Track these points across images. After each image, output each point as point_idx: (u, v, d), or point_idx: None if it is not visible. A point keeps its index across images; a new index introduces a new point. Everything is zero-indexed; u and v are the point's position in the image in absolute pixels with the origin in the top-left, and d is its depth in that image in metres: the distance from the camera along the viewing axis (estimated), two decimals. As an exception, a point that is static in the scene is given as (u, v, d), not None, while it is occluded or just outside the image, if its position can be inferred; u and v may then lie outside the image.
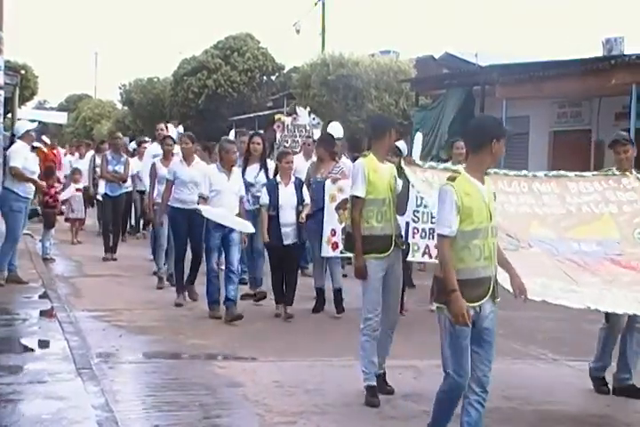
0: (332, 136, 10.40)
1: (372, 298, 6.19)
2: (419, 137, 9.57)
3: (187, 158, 9.91)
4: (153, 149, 12.05)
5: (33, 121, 12.26)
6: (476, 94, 16.93)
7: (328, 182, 9.28)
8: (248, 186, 9.65)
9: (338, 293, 9.30)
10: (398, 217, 6.52)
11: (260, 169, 9.95)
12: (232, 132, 13.65)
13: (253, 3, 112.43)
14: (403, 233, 7.43)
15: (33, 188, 10.80)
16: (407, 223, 8.75)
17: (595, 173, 6.70)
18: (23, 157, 10.35)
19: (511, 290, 5.01)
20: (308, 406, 5.94)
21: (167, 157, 10.84)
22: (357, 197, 6.19)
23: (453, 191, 4.72)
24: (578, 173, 6.56)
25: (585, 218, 6.18)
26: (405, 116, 21.17)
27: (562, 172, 6.53)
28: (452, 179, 4.80)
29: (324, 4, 29.39)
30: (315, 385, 6.48)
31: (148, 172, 11.23)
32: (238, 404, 6.02)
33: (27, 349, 7.72)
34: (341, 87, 22.19)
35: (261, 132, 19.92)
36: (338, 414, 5.80)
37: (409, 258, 8.87)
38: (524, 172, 6.53)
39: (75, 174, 15.52)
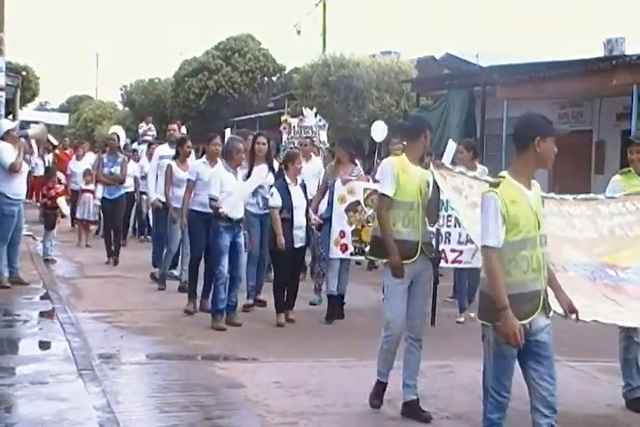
0: (350, 138, 10.37)
1: (394, 306, 5.84)
2: (452, 144, 9.48)
3: (213, 160, 9.42)
4: (161, 149, 11.63)
5: (33, 122, 12.20)
6: (477, 95, 16.93)
7: (338, 183, 9.08)
8: (257, 188, 9.24)
9: (335, 299, 9.12)
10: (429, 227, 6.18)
11: (268, 170, 9.51)
12: (227, 131, 13.49)
13: (254, 4, 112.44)
14: (433, 241, 6.98)
15: (24, 188, 10.70)
16: (438, 231, 8.42)
17: (625, 192, 6.18)
18: (12, 155, 10.20)
19: (560, 311, 4.66)
20: (309, 406, 5.95)
21: (183, 159, 10.48)
22: (385, 196, 5.88)
23: (497, 198, 4.35)
24: (609, 195, 6.14)
25: (619, 244, 5.85)
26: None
27: (591, 195, 6.18)
28: (495, 185, 4.43)
29: (324, 5, 29.39)
30: (315, 386, 6.48)
31: (155, 172, 11.06)
32: (239, 405, 6.03)
33: (28, 350, 7.72)
34: (342, 88, 22.18)
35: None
36: (338, 415, 5.81)
37: None
38: (552, 194, 6.15)
39: (86, 175, 15.41)
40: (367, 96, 21.93)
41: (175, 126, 12.30)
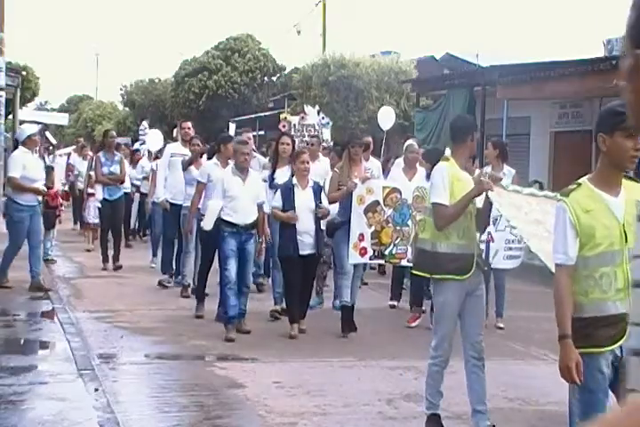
0: (360, 136, 10.10)
1: (445, 326, 5.50)
2: None
3: (225, 161, 9.13)
4: (172, 147, 11.45)
5: (33, 122, 12.12)
6: (477, 95, 16.93)
7: (357, 183, 8.61)
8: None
9: (350, 309, 8.55)
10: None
11: (292, 171, 9.10)
12: (232, 126, 13.42)
13: (254, 4, 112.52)
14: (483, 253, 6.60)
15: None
16: (488, 242, 8.10)
17: None
18: (21, 166, 9.96)
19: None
20: (309, 406, 5.95)
21: (196, 158, 10.30)
22: (443, 206, 5.39)
23: (567, 208, 3.82)
24: None
25: None
26: (407, 117, 21.17)
27: None
28: (565, 193, 3.91)
29: (324, 5, 29.39)
30: (315, 386, 6.48)
31: (165, 171, 10.93)
32: (239, 405, 6.04)
33: (28, 350, 7.73)
34: (342, 88, 22.17)
35: (262, 133, 19.88)
36: (339, 415, 5.81)
37: None
38: None
39: (90, 178, 15.34)
40: (367, 96, 21.93)
41: (189, 124, 11.66)
